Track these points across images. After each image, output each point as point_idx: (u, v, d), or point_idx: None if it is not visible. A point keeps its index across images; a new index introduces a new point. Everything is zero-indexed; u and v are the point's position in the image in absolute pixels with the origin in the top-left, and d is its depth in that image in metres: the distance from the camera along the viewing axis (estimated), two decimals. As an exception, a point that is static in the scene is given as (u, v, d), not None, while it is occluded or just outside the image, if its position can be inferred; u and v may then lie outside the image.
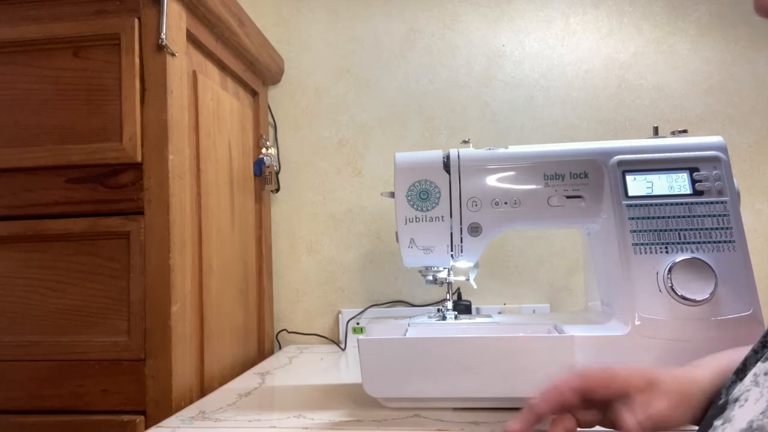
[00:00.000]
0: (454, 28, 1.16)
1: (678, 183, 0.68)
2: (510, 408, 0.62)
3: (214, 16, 0.85)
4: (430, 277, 0.79)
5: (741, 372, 0.41)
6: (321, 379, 0.82)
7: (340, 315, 1.13)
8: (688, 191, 0.67)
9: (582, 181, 0.71)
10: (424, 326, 0.76)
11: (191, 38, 0.82)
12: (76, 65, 0.74)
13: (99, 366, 0.72)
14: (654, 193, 0.68)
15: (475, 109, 1.15)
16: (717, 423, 0.38)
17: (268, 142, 1.10)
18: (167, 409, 0.70)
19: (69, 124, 0.74)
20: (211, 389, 0.81)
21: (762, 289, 0.66)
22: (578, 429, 0.45)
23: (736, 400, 0.38)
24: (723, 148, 0.69)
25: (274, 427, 0.60)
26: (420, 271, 0.80)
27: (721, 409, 0.38)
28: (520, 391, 0.61)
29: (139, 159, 0.72)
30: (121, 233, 0.73)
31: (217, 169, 0.90)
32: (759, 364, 0.39)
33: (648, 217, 0.67)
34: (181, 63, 0.77)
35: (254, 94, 1.10)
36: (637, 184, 0.69)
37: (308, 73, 1.19)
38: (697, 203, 0.67)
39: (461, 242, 0.73)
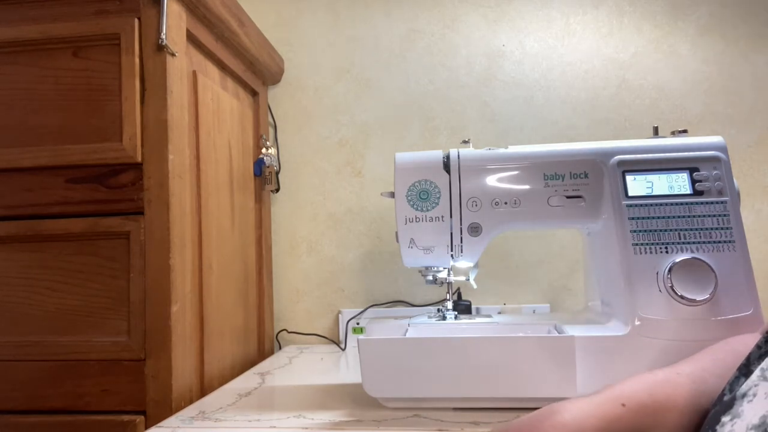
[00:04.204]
0: (454, 28, 1.16)
1: (678, 183, 0.68)
2: (510, 408, 0.62)
3: (214, 16, 0.85)
4: (430, 277, 0.79)
5: (745, 368, 0.41)
6: (321, 379, 0.82)
7: (340, 315, 1.13)
8: (688, 191, 0.67)
9: (582, 181, 0.71)
10: (424, 326, 0.76)
11: (191, 38, 0.82)
12: (76, 65, 0.74)
13: (99, 366, 0.72)
14: (654, 193, 0.68)
15: (475, 109, 1.15)
16: (725, 419, 0.38)
17: (268, 142, 1.10)
18: (167, 409, 0.70)
19: (69, 124, 0.74)
20: (211, 389, 0.81)
21: (762, 289, 0.66)
22: None
23: (744, 395, 0.38)
24: (723, 148, 0.69)
25: (274, 427, 0.60)
26: (420, 271, 0.80)
27: (728, 405, 0.38)
28: (520, 391, 0.62)
29: (139, 159, 0.72)
30: (121, 233, 0.73)
31: (217, 169, 0.90)
32: (767, 359, 0.39)
33: (648, 217, 0.67)
34: (181, 63, 0.77)
35: (254, 94, 1.10)
36: (637, 184, 0.69)
37: (308, 73, 1.19)
38: (697, 203, 0.67)
39: (461, 242, 0.73)
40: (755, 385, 0.38)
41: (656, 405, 0.43)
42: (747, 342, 0.55)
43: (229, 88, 0.99)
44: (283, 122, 1.19)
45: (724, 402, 0.39)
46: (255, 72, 1.08)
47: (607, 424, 0.40)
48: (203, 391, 0.81)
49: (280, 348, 1.14)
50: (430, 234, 0.73)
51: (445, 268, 0.78)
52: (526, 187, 0.72)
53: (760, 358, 0.40)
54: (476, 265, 0.79)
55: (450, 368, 0.62)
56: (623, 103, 1.12)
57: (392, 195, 0.75)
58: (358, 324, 1.11)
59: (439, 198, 0.73)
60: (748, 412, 0.36)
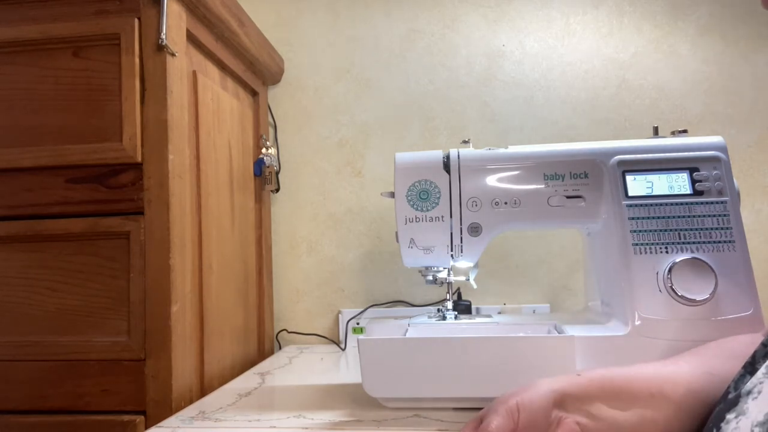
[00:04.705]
0: (454, 28, 1.16)
1: (678, 183, 0.68)
2: (510, 408, 0.62)
3: (214, 16, 0.85)
4: (430, 277, 0.79)
5: (750, 366, 0.41)
6: (321, 379, 0.82)
7: (340, 315, 1.13)
8: (688, 191, 0.67)
9: (582, 181, 0.71)
10: (424, 326, 0.76)
11: (191, 38, 0.82)
12: (76, 65, 0.74)
13: (99, 366, 0.72)
14: (654, 193, 0.68)
15: (475, 109, 1.15)
16: (730, 416, 0.38)
17: (268, 142, 1.10)
18: (167, 409, 0.70)
19: (69, 124, 0.74)
20: (211, 389, 0.81)
21: (762, 289, 0.66)
22: None
23: (749, 393, 0.38)
24: (723, 148, 0.69)
25: (274, 427, 0.60)
26: (420, 271, 0.80)
27: (733, 403, 0.38)
28: (520, 391, 0.62)
29: (139, 159, 0.72)
30: (121, 233, 0.73)
31: (217, 169, 0.90)
32: None
33: (648, 217, 0.67)
34: (181, 63, 0.77)
35: (254, 94, 1.10)
36: (637, 184, 0.69)
37: (308, 73, 1.19)
38: (697, 203, 0.67)
39: (461, 242, 0.73)
40: (760, 383, 0.38)
41: (615, 380, 0.46)
42: (742, 340, 0.55)
43: (229, 88, 0.99)
44: (283, 122, 1.19)
45: (728, 400, 0.39)
46: (255, 72, 1.08)
47: (566, 387, 0.45)
48: (203, 391, 0.81)
49: (280, 348, 1.14)
50: (430, 234, 0.73)
51: (445, 268, 0.78)
52: (526, 187, 0.72)
53: (766, 356, 0.40)
54: (476, 265, 0.79)
55: (450, 368, 0.62)
56: (623, 103, 1.12)
57: (392, 195, 0.75)
58: (358, 324, 1.11)
59: (439, 198, 0.73)
60: (753, 409, 0.36)
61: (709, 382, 0.47)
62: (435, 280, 0.79)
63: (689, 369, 0.49)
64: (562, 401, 0.44)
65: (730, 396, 0.40)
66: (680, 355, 0.54)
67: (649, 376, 0.47)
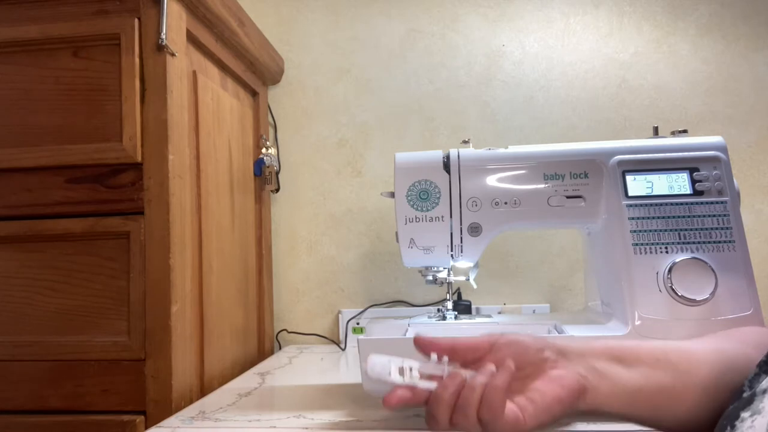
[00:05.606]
0: (454, 28, 1.16)
1: (678, 183, 0.68)
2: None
3: (214, 16, 0.85)
4: (430, 277, 0.79)
5: (765, 365, 0.41)
6: (321, 379, 0.82)
7: (340, 315, 1.13)
8: (688, 191, 0.67)
9: (582, 181, 0.71)
10: (424, 326, 0.76)
11: (191, 38, 0.82)
12: (76, 65, 0.74)
13: (99, 366, 0.72)
14: (654, 193, 0.68)
15: (475, 109, 1.15)
16: (745, 414, 0.37)
17: (268, 142, 1.10)
18: (167, 409, 0.70)
19: (69, 124, 0.74)
20: (211, 389, 0.81)
21: (762, 289, 0.66)
22: None
23: (765, 391, 0.38)
24: (723, 148, 0.69)
25: (274, 427, 0.60)
26: (420, 271, 0.80)
27: (748, 401, 0.38)
28: (520, 391, 0.61)
29: (139, 159, 0.72)
30: (121, 233, 0.73)
31: (217, 169, 0.90)
32: None
33: (648, 217, 0.67)
34: (181, 63, 0.77)
35: (254, 94, 1.10)
36: (637, 184, 0.69)
37: (308, 73, 1.19)
38: (697, 203, 0.67)
39: (461, 242, 0.73)
40: None
41: (619, 344, 0.47)
42: (747, 331, 0.55)
43: (229, 88, 0.99)
44: (283, 122, 1.19)
45: (743, 398, 0.39)
46: (255, 72, 1.08)
47: (569, 342, 0.45)
48: (203, 391, 0.81)
49: (280, 348, 1.14)
50: (430, 234, 0.73)
51: (445, 268, 0.78)
52: (526, 187, 0.72)
53: None
54: (476, 265, 0.79)
55: (450, 368, 0.61)
56: (623, 103, 1.12)
57: (392, 195, 0.75)
58: (358, 324, 1.11)
59: (439, 198, 0.73)
60: None
61: (719, 359, 0.46)
62: (435, 280, 0.79)
63: (697, 344, 0.49)
64: (564, 353, 0.43)
65: (745, 394, 0.40)
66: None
67: (654, 345, 0.47)
